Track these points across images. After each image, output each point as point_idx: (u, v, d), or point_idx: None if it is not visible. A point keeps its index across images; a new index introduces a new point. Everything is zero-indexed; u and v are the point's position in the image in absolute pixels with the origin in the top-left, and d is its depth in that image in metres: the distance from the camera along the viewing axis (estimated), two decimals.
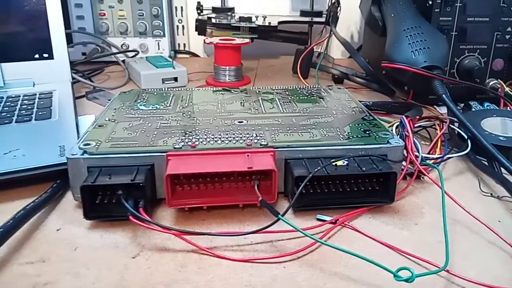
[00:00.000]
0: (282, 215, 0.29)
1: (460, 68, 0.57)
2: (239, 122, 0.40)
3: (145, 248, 0.29)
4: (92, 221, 0.32)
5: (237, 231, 0.31)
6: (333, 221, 0.32)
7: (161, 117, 0.41)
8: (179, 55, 0.93)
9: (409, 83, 0.55)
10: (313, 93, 0.50)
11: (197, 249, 0.29)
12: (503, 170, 0.38)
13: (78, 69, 0.72)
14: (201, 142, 0.35)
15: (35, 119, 0.46)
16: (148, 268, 0.27)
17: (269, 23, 0.80)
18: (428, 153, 0.41)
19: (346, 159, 0.34)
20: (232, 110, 0.44)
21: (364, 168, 0.33)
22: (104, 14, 0.83)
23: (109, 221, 0.32)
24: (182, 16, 0.92)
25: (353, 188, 0.34)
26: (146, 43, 0.84)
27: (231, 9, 0.87)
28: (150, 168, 0.33)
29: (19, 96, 0.52)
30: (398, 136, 0.38)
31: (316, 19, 0.84)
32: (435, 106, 0.58)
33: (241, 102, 0.46)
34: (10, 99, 0.51)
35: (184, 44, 0.94)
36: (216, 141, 0.35)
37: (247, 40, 0.71)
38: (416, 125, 0.45)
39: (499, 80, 0.55)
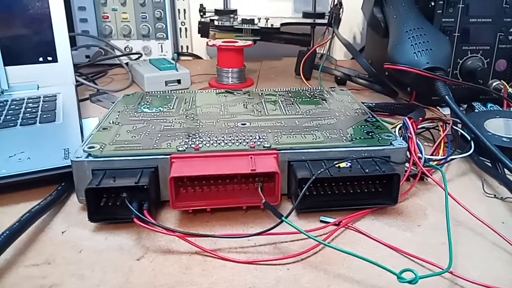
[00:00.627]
0: (286, 217, 0.29)
1: (463, 69, 0.57)
2: (242, 124, 0.40)
3: (150, 250, 0.29)
4: (97, 223, 0.32)
5: (240, 233, 0.31)
6: (337, 223, 0.32)
7: (165, 120, 0.41)
8: (182, 58, 0.93)
9: (411, 85, 0.55)
10: (316, 95, 0.50)
11: (201, 251, 0.29)
12: (506, 171, 0.38)
13: (82, 72, 0.72)
14: (205, 145, 0.35)
15: (40, 122, 0.46)
16: (153, 270, 0.28)
17: (272, 25, 0.80)
18: (431, 155, 0.41)
19: (349, 161, 0.34)
20: (235, 112, 0.44)
21: (367, 170, 0.33)
22: (108, 17, 0.83)
23: (113, 224, 0.32)
24: (185, 18, 0.92)
25: (356, 190, 0.34)
26: (149, 46, 0.85)
27: (234, 11, 0.88)
28: (154, 170, 0.33)
29: (24, 99, 0.52)
30: (401, 138, 0.38)
31: (318, 21, 0.84)
32: (438, 107, 0.58)
33: (244, 104, 0.46)
34: (14, 102, 0.52)
35: (187, 47, 0.94)
36: (219, 144, 0.35)
37: (250, 42, 0.71)
38: (419, 127, 0.45)
39: (502, 81, 0.55)
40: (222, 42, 0.70)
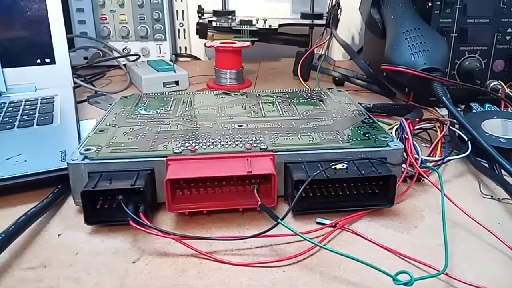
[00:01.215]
0: (282, 219, 0.29)
1: (460, 70, 0.57)
2: (239, 126, 0.40)
3: (146, 253, 0.29)
4: (93, 226, 0.32)
5: (236, 235, 0.31)
6: (333, 224, 0.32)
7: (162, 122, 0.41)
8: (181, 59, 0.93)
9: (409, 85, 0.55)
10: (313, 96, 0.50)
11: (197, 254, 0.29)
12: (503, 172, 0.38)
13: (80, 73, 0.73)
14: (201, 147, 0.35)
15: (37, 124, 0.46)
16: (148, 273, 0.28)
17: (270, 26, 0.80)
18: (429, 155, 0.41)
19: (346, 162, 0.34)
20: (232, 113, 0.44)
21: (363, 171, 0.33)
22: (106, 19, 0.83)
23: (109, 226, 0.32)
24: (183, 19, 0.92)
25: (353, 191, 0.34)
26: (147, 47, 0.85)
27: (232, 13, 0.88)
28: (150, 172, 0.33)
29: (21, 101, 0.52)
30: (398, 139, 0.38)
31: (316, 22, 0.84)
32: (435, 108, 0.58)
33: (241, 106, 0.46)
34: (12, 104, 0.52)
35: (186, 48, 0.94)
36: (216, 146, 0.35)
37: (248, 43, 0.71)
38: (416, 127, 0.45)
39: (499, 81, 0.55)
40: (220, 43, 0.70)
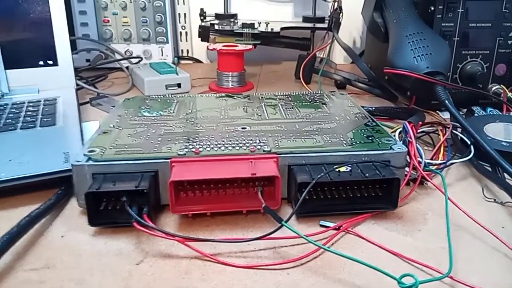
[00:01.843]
0: (286, 222, 0.29)
1: (462, 74, 0.57)
2: (242, 128, 0.40)
3: (149, 255, 0.29)
4: (96, 227, 0.32)
5: (240, 237, 0.31)
6: (337, 227, 0.32)
7: (165, 124, 0.41)
8: (183, 61, 0.93)
9: (411, 89, 0.55)
10: (316, 99, 0.50)
11: (200, 256, 0.29)
12: (506, 175, 0.38)
13: (82, 75, 0.72)
14: (205, 149, 0.35)
15: (40, 126, 0.46)
16: (152, 275, 0.27)
17: (272, 29, 0.80)
18: (431, 159, 0.41)
19: (349, 165, 0.34)
20: (235, 116, 0.44)
21: (367, 174, 0.33)
22: (108, 21, 0.83)
23: (113, 228, 0.32)
24: (185, 22, 0.92)
25: (356, 194, 0.34)
26: (149, 50, 0.85)
27: (234, 16, 0.88)
28: (154, 174, 0.33)
29: (24, 103, 0.53)
30: (401, 142, 0.38)
31: (318, 25, 0.84)
32: (437, 111, 0.58)
33: (244, 108, 0.46)
34: (15, 105, 0.52)
35: (188, 50, 0.94)
36: (219, 148, 0.36)
37: (250, 46, 0.71)
38: (419, 131, 0.45)
39: (501, 85, 0.55)
40: (223, 46, 0.70)
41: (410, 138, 0.39)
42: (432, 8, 0.55)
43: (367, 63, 0.70)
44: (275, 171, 0.32)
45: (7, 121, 0.47)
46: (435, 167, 0.40)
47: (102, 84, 0.74)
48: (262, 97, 0.51)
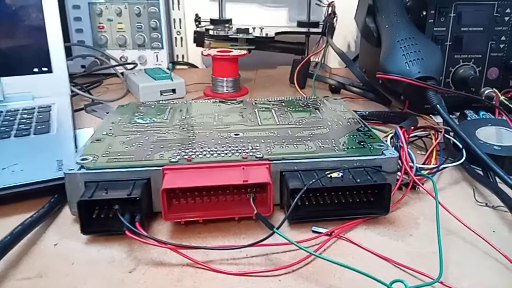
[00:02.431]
0: (277, 228, 0.29)
1: (455, 78, 0.58)
2: (235, 134, 0.40)
3: (142, 263, 0.29)
4: (89, 235, 0.32)
5: (232, 244, 0.31)
6: (329, 233, 0.32)
7: (159, 131, 0.42)
8: (178, 67, 0.93)
9: (403, 94, 0.56)
10: (309, 104, 0.51)
11: (193, 263, 0.29)
12: (497, 179, 0.38)
13: (77, 81, 0.73)
14: (197, 156, 0.35)
15: (34, 133, 0.46)
16: (145, 283, 0.28)
17: (266, 34, 0.80)
18: (424, 163, 0.42)
19: (341, 171, 0.34)
20: (228, 122, 0.44)
21: (358, 180, 0.33)
22: (103, 27, 0.83)
23: (105, 236, 0.32)
24: (180, 28, 0.93)
25: (348, 199, 0.34)
26: (144, 55, 0.85)
27: (229, 21, 0.88)
28: (146, 182, 0.33)
29: (18, 110, 0.53)
30: (393, 147, 0.39)
31: (312, 30, 0.85)
32: (431, 115, 0.58)
33: (238, 114, 0.47)
34: (9, 113, 0.52)
35: (183, 56, 0.95)
36: (212, 154, 0.36)
37: (245, 51, 0.71)
38: (411, 135, 0.45)
39: (494, 89, 0.55)
40: (217, 51, 0.70)
41: (402, 143, 0.39)
42: (424, 13, 0.55)
43: (361, 68, 0.70)
44: (267, 177, 0.33)
45: (1, 128, 0.47)
46: (427, 171, 0.40)
47: (97, 91, 0.74)
48: (255, 103, 0.51)
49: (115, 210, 0.31)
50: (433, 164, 0.41)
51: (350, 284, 0.27)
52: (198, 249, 0.30)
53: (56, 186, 0.36)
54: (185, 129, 0.42)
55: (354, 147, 0.37)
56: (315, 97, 0.54)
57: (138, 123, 0.44)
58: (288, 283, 0.28)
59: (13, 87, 0.57)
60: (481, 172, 0.41)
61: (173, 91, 0.68)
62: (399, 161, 0.37)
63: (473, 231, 0.32)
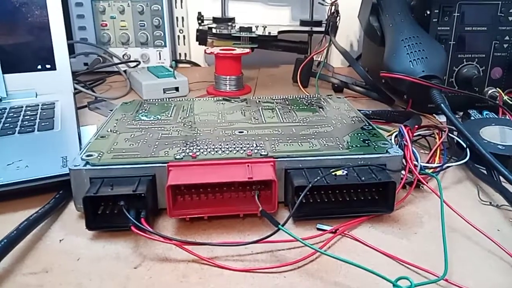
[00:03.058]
0: (282, 225, 0.29)
1: (458, 77, 0.58)
2: (239, 132, 0.40)
3: (147, 258, 0.30)
4: (94, 231, 0.32)
5: (237, 241, 0.31)
6: (333, 230, 0.32)
7: (163, 128, 0.42)
8: (180, 65, 0.94)
9: (407, 93, 0.56)
10: (313, 102, 0.51)
11: (198, 259, 0.29)
12: (502, 178, 0.38)
13: (80, 79, 0.73)
14: (202, 153, 0.35)
15: (38, 130, 0.46)
16: (150, 279, 0.28)
17: (269, 32, 0.80)
18: (427, 162, 0.42)
19: (346, 168, 0.34)
20: (232, 120, 0.44)
21: (363, 178, 0.33)
22: (106, 25, 0.84)
23: (111, 232, 0.32)
24: (183, 26, 0.93)
25: (353, 197, 0.34)
26: (147, 53, 0.85)
27: (232, 19, 0.88)
28: (151, 178, 0.33)
29: (22, 107, 0.53)
30: (397, 146, 0.39)
31: (315, 29, 0.85)
32: (434, 114, 0.58)
33: (241, 112, 0.47)
34: (13, 110, 0.52)
35: (185, 54, 0.95)
36: (216, 152, 0.36)
37: (248, 50, 0.71)
38: (415, 134, 0.45)
39: (497, 88, 0.55)
40: (220, 49, 0.70)
41: (406, 141, 0.39)
42: (428, 12, 0.55)
43: (364, 67, 0.70)
44: (272, 175, 0.33)
45: (5, 125, 0.47)
46: (431, 170, 0.40)
47: (100, 88, 0.74)
48: (259, 101, 0.51)
49: (121, 206, 0.31)
50: (437, 163, 0.41)
51: (355, 281, 0.27)
52: (203, 245, 0.30)
53: (61, 182, 0.36)
54: (189, 126, 0.42)
55: (358, 145, 0.37)
56: (318, 96, 0.54)
57: (142, 120, 0.44)
58: (293, 279, 0.28)
59: (16, 84, 0.57)
60: (485, 171, 0.41)
61: (176, 89, 0.68)
62: (404, 160, 0.37)
63: (477, 229, 0.32)
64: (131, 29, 0.84)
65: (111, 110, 0.48)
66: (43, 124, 0.48)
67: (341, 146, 0.37)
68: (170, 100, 0.52)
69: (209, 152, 0.36)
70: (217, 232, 0.33)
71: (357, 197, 0.34)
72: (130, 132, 0.40)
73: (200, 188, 0.33)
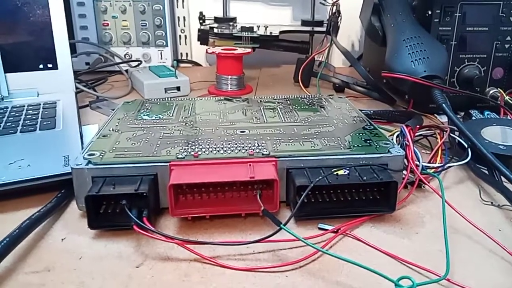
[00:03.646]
0: (284, 225, 0.30)
1: (460, 77, 0.58)
2: (241, 131, 0.40)
3: (149, 258, 0.30)
4: (96, 230, 0.32)
5: (239, 240, 0.31)
6: (335, 230, 0.32)
7: (164, 127, 0.42)
8: (182, 65, 0.94)
9: (409, 93, 0.56)
10: (314, 102, 0.51)
11: (200, 258, 0.29)
12: (503, 178, 0.38)
13: (82, 78, 0.73)
14: (204, 152, 0.35)
15: (40, 129, 0.46)
16: (152, 278, 0.28)
17: (271, 32, 0.80)
18: (429, 162, 0.42)
19: (347, 168, 0.34)
20: (234, 119, 0.44)
21: (365, 178, 0.33)
22: (108, 24, 0.84)
23: (113, 231, 0.32)
24: (184, 26, 0.93)
25: (354, 197, 0.35)
26: (149, 53, 0.85)
27: (233, 19, 0.88)
28: (153, 178, 0.33)
29: (24, 106, 0.53)
30: (399, 146, 0.39)
31: (317, 29, 0.85)
32: (435, 114, 0.58)
33: (243, 112, 0.47)
34: (14, 109, 0.52)
35: (187, 54, 0.95)
36: (218, 151, 0.36)
37: (249, 50, 0.71)
38: (416, 134, 0.45)
39: (499, 89, 0.55)
40: (222, 49, 0.70)
41: (408, 141, 0.39)
42: (430, 12, 0.55)
43: (366, 67, 0.70)
44: (273, 174, 0.33)
45: (7, 124, 0.47)
46: (433, 170, 0.40)
47: (101, 88, 0.74)
48: (261, 101, 0.51)
49: (123, 205, 0.31)
50: (438, 163, 0.41)
51: (357, 280, 0.27)
52: (205, 245, 0.30)
53: (63, 181, 0.36)
54: (191, 126, 0.42)
55: (360, 145, 0.37)
56: (320, 96, 0.54)
57: (144, 119, 0.44)
58: (295, 279, 0.28)
59: (18, 83, 0.57)
60: (486, 171, 0.41)
61: (178, 88, 0.68)
62: (405, 160, 0.37)
63: (479, 229, 0.32)
64: (132, 29, 0.84)
65: (113, 110, 0.48)
66: (45, 123, 0.48)
67: (342, 146, 0.37)
68: (171, 99, 0.52)
69: (211, 151, 0.36)
70: (219, 232, 0.33)
71: (358, 196, 0.35)
72: (132, 132, 0.40)
73: (202, 187, 0.34)
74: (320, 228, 0.33)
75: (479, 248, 0.31)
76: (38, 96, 0.57)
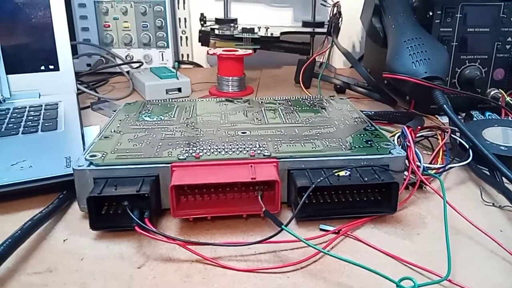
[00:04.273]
0: (286, 226, 0.30)
1: (461, 78, 0.58)
2: (242, 132, 0.41)
3: (150, 258, 0.30)
4: (98, 231, 0.32)
5: (241, 241, 0.31)
6: (336, 231, 0.32)
7: (166, 128, 0.42)
8: (183, 66, 0.94)
9: (410, 94, 0.56)
10: (315, 103, 0.51)
11: (201, 259, 0.29)
12: (504, 179, 0.38)
13: (83, 80, 0.73)
14: (205, 153, 0.36)
15: (41, 130, 0.46)
16: (153, 278, 0.28)
17: (272, 34, 0.80)
18: (430, 163, 0.42)
19: (348, 169, 0.34)
20: (235, 120, 0.44)
21: (366, 179, 0.33)
22: (109, 26, 0.84)
23: (114, 232, 0.32)
24: (185, 27, 0.93)
25: (356, 198, 0.35)
26: (150, 54, 0.86)
27: (234, 20, 0.88)
28: (155, 179, 0.33)
29: (25, 108, 0.53)
30: (400, 146, 0.39)
31: (318, 30, 0.85)
32: (436, 115, 0.58)
33: (244, 113, 0.47)
34: (16, 110, 0.52)
35: (188, 55, 0.95)
36: (219, 152, 0.36)
37: (250, 51, 0.71)
38: (417, 135, 0.46)
39: (500, 89, 0.55)
40: (223, 50, 0.70)
41: (409, 142, 0.39)
42: (431, 13, 0.55)
43: (367, 68, 0.70)
44: (275, 175, 0.33)
45: (9, 125, 0.48)
46: (434, 171, 0.40)
47: (103, 89, 0.74)
48: (262, 102, 0.51)
49: (124, 206, 0.31)
50: (439, 164, 0.41)
51: (359, 281, 0.27)
52: (206, 246, 0.30)
53: (65, 182, 0.36)
54: (192, 127, 0.42)
55: (361, 146, 0.37)
56: (321, 97, 0.54)
57: (146, 120, 0.44)
58: (296, 279, 0.28)
59: (20, 84, 0.57)
60: (487, 172, 0.41)
61: (179, 90, 0.68)
62: (406, 161, 0.37)
63: (480, 230, 0.32)
64: (133, 30, 0.84)
65: (114, 111, 0.48)
66: (46, 124, 0.48)
67: (343, 147, 0.37)
68: (173, 101, 0.52)
69: (212, 152, 0.36)
70: (221, 232, 0.33)
71: (360, 197, 0.35)
72: (134, 133, 0.41)
73: (203, 188, 0.34)
74: (321, 229, 0.33)
75: (480, 249, 0.31)
76: (39, 98, 0.57)
